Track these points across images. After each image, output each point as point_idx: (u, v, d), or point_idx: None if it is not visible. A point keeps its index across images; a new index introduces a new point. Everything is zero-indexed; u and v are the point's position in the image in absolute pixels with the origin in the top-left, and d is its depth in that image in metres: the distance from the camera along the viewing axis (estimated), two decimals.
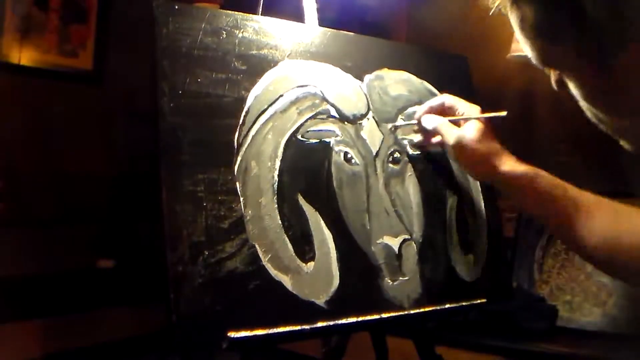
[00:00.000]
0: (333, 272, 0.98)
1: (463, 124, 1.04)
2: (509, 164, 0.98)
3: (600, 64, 0.70)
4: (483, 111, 1.06)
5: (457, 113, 1.05)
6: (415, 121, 1.10)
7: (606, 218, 0.90)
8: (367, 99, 1.12)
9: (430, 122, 1.06)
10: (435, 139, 1.10)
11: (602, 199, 0.93)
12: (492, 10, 0.80)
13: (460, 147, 1.01)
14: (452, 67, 1.33)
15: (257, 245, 0.92)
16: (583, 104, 0.77)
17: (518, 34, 0.78)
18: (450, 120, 1.05)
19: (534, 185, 0.95)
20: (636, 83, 0.69)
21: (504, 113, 1.03)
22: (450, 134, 1.02)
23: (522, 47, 0.80)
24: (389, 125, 1.12)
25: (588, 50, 0.69)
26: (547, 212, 0.95)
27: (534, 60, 0.79)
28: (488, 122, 1.03)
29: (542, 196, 0.94)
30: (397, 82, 1.18)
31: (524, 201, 0.98)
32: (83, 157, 2.53)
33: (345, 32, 1.16)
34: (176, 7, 0.96)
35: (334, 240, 1.00)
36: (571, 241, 0.93)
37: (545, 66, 0.79)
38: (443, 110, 1.07)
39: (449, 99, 1.07)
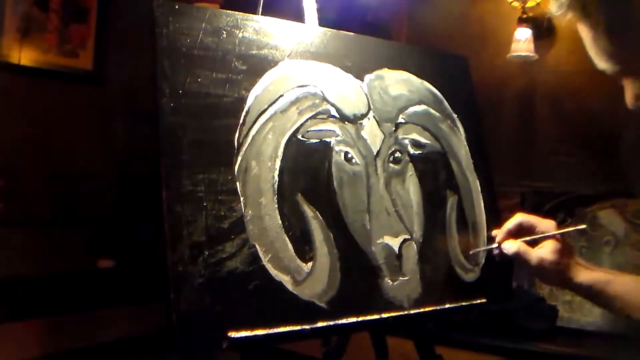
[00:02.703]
0: (333, 272, 0.98)
1: (540, 242, 1.08)
2: (582, 275, 1.04)
3: None
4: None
5: (535, 231, 1.09)
6: (495, 245, 1.12)
7: None
8: (367, 99, 1.12)
9: (509, 247, 1.09)
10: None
11: None
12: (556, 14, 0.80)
13: (540, 268, 1.05)
14: (452, 67, 1.33)
15: (257, 245, 0.92)
16: None
17: (592, 48, 0.79)
18: (527, 242, 1.08)
19: (606, 291, 1.02)
20: None
21: (583, 226, 1.15)
22: (530, 257, 1.06)
23: (598, 63, 0.79)
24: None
25: None
26: (624, 312, 1.03)
27: (612, 70, 0.79)
28: (564, 235, 1.09)
29: (616, 301, 1.02)
30: (398, 82, 1.18)
31: (599, 304, 1.08)
32: (83, 157, 2.53)
33: (345, 32, 1.16)
34: (176, 7, 0.96)
35: (334, 240, 1.00)
36: None
37: (626, 74, 0.79)
38: (520, 230, 1.10)
39: (525, 219, 1.10)
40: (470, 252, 1.16)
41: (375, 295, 1.02)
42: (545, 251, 1.06)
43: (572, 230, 1.10)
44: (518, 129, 2.36)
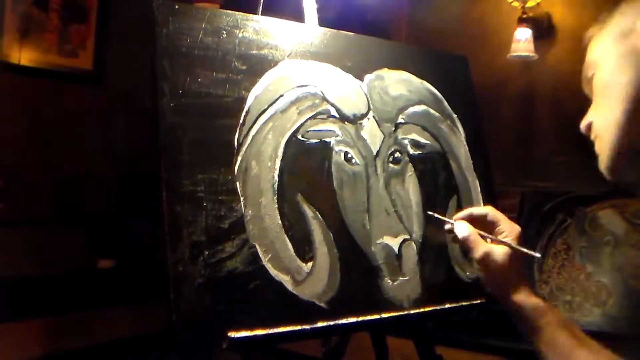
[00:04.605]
0: (333, 272, 0.98)
1: (494, 242, 1.01)
2: (522, 296, 0.98)
3: None
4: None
5: (496, 230, 1.03)
6: (451, 220, 1.06)
7: None
8: (367, 99, 1.12)
9: (462, 230, 1.02)
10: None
11: (602, 350, 0.94)
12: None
13: (484, 265, 0.99)
14: (452, 67, 1.33)
15: (257, 245, 0.92)
16: None
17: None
18: (482, 236, 1.02)
19: (538, 321, 0.95)
20: None
21: (538, 255, 1.09)
22: (478, 248, 0.99)
23: None
24: None
25: None
26: (546, 351, 0.95)
27: None
28: (518, 251, 1.01)
29: (545, 336, 0.95)
30: (397, 82, 1.18)
31: (526, 333, 0.98)
32: (83, 157, 2.53)
33: (345, 32, 1.16)
34: (176, 7, 0.96)
35: (334, 240, 1.00)
36: None
37: None
38: (483, 222, 1.04)
39: (492, 213, 1.04)
40: (428, 212, 1.10)
41: (375, 295, 1.02)
42: (496, 252, 0.99)
43: (524, 251, 1.01)
44: (518, 129, 2.36)
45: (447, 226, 1.07)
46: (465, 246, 1.03)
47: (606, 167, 0.89)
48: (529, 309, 0.96)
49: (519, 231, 1.02)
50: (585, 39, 0.93)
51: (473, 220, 1.04)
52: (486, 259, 0.98)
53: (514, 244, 1.00)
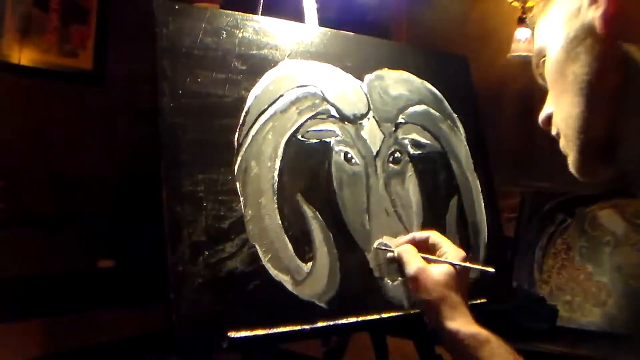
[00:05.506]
0: (333, 272, 0.98)
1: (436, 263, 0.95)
2: (459, 322, 0.87)
3: None
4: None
5: (438, 252, 0.98)
6: (393, 248, 1.02)
7: None
8: (367, 99, 1.12)
9: (399, 247, 1.00)
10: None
11: None
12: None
13: (416, 281, 0.93)
14: (452, 67, 1.33)
15: (257, 245, 0.92)
16: None
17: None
18: (425, 258, 0.96)
19: (478, 353, 0.84)
20: None
21: (491, 269, 0.99)
22: (412, 263, 0.94)
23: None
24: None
25: None
26: None
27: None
28: (466, 272, 0.96)
29: None
30: (398, 82, 1.18)
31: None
32: (83, 157, 2.53)
33: (345, 32, 1.16)
34: (176, 7, 0.96)
35: (334, 240, 1.00)
36: None
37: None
38: (426, 246, 1.00)
39: (434, 237, 1.00)
40: (375, 246, 1.03)
41: (375, 295, 1.02)
42: (433, 268, 0.93)
43: (472, 267, 0.95)
44: (518, 129, 2.36)
45: (388, 255, 1.03)
46: (401, 263, 0.97)
47: (576, 167, 0.78)
48: (467, 337, 0.85)
49: (463, 255, 0.96)
50: (529, 22, 0.83)
51: (416, 244, 1.00)
52: (421, 274, 0.92)
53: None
